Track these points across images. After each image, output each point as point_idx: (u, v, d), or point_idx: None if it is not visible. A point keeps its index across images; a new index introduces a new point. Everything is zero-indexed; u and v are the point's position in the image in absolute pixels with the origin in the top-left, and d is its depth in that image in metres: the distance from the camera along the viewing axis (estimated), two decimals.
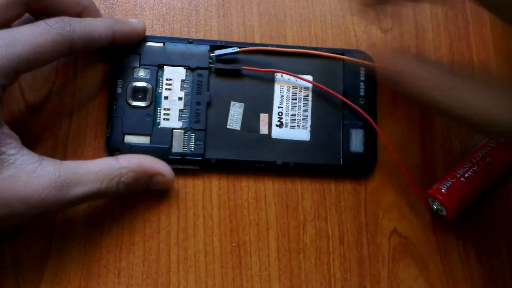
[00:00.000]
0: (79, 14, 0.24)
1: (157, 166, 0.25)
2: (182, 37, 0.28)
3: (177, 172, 0.26)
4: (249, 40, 0.29)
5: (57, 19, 0.22)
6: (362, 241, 0.27)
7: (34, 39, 0.21)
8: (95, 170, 0.22)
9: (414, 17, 0.30)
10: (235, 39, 0.29)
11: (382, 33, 0.30)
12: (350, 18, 0.30)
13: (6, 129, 0.21)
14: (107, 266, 0.26)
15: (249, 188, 0.27)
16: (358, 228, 0.27)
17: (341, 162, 0.27)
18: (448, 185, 0.26)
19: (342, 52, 0.28)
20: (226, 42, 0.28)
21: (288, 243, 0.27)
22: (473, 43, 0.30)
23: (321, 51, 0.28)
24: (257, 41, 0.29)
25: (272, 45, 0.28)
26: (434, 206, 0.26)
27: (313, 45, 0.29)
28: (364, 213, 0.27)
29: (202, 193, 0.27)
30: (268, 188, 0.27)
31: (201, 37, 0.29)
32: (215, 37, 0.29)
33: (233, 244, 0.26)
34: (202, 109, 0.27)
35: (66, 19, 0.22)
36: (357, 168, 0.27)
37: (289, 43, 0.29)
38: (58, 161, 0.22)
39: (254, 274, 0.26)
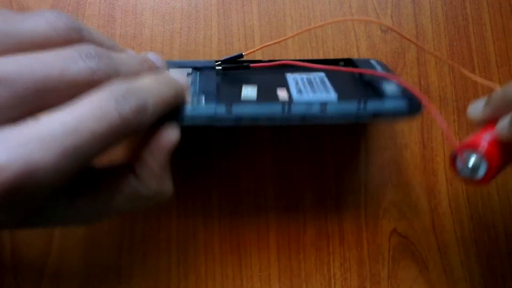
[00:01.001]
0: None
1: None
2: (185, 60, 0.26)
3: (178, 173, 0.26)
4: (249, 40, 0.29)
5: (133, 99, 0.16)
6: (362, 241, 0.27)
7: (101, 131, 0.15)
8: None
9: (414, 17, 0.30)
10: (235, 39, 0.29)
11: (382, 33, 0.30)
12: (350, 18, 0.30)
13: None
14: (108, 266, 0.26)
15: (249, 188, 0.27)
16: (358, 228, 0.27)
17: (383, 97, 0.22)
18: (490, 136, 0.21)
19: (354, 61, 0.26)
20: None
21: (288, 243, 0.27)
22: (473, 43, 0.30)
23: (330, 62, 0.26)
24: (257, 41, 0.29)
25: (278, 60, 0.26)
26: (471, 162, 0.22)
27: (313, 45, 0.29)
28: (364, 213, 0.27)
29: (202, 194, 0.27)
30: (268, 188, 0.27)
31: (201, 37, 0.29)
32: (215, 36, 0.29)
33: (233, 244, 0.26)
34: (211, 92, 0.23)
35: (141, 101, 0.16)
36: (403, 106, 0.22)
37: (289, 43, 0.29)
38: None
39: (254, 274, 0.26)
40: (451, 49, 0.30)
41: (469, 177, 0.22)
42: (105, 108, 0.15)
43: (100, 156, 0.16)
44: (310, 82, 0.25)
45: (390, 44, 0.30)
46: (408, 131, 0.29)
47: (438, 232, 0.28)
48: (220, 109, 0.21)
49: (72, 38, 0.16)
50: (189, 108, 0.21)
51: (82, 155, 0.15)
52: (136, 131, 0.17)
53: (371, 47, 0.30)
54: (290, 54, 0.29)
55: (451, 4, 0.31)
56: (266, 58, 0.29)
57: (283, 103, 0.21)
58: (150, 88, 0.17)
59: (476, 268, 0.27)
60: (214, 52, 0.29)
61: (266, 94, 0.23)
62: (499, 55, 0.30)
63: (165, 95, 0.18)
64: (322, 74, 0.25)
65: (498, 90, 0.22)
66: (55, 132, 0.14)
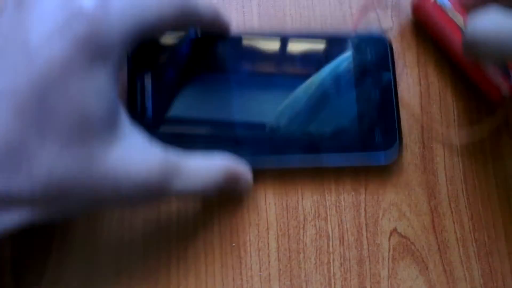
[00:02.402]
0: None
1: (244, 169, 0.24)
2: None
3: None
4: None
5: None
6: (362, 241, 0.27)
7: (159, 7, 0.20)
8: (196, 168, 0.21)
9: (414, 17, 0.30)
10: None
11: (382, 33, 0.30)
12: (350, 18, 0.30)
13: (119, 102, 0.20)
14: (108, 266, 0.26)
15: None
16: (358, 228, 0.27)
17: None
18: None
19: (350, 36, 0.28)
20: None
21: (288, 243, 0.27)
22: None
23: (325, 35, 0.28)
24: None
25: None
26: None
27: None
28: (364, 213, 0.27)
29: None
30: (268, 188, 0.27)
31: None
32: None
33: (233, 244, 0.26)
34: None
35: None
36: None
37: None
38: (162, 145, 0.21)
39: (254, 274, 0.26)
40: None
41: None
42: None
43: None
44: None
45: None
46: (408, 131, 0.29)
47: (438, 232, 0.28)
48: None
49: None
50: None
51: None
52: (182, 22, 0.21)
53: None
54: None
55: None
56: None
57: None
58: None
59: (476, 268, 0.27)
60: None
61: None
62: None
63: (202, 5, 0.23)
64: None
65: None
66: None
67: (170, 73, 0.25)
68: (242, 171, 0.24)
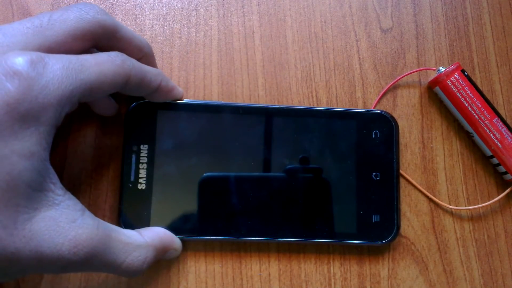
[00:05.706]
0: (138, 60, 0.24)
1: (174, 241, 0.25)
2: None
3: None
4: (249, 40, 0.29)
5: (117, 53, 0.21)
6: None
7: (98, 68, 0.20)
8: (126, 242, 0.21)
9: (414, 17, 0.30)
10: (235, 39, 0.29)
11: (382, 33, 0.30)
12: (350, 18, 0.30)
13: (51, 168, 0.19)
14: None
15: None
16: None
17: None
18: None
19: (354, 114, 0.27)
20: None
21: (288, 243, 0.27)
22: (473, 43, 0.30)
23: (329, 112, 0.27)
24: (257, 41, 0.29)
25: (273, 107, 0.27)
26: None
27: (313, 45, 0.29)
28: None
29: None
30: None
31: (201, 37, 0.29)
32: (215, 36, 0.29)
33: (233, 244, 0.26)
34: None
35: (125, 55, 0.22)
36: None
37: (289, 43, 0.29)
38: (96, 217, 0.20)
39: (254, 274, 0.26)
40: (451, 49, 0.30)
41: None
42: (100, 55, 0.21)
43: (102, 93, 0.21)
44: None
45: (390, 44, 0.30)
46: (408, 131, 0.29)
47: (438, 232, 0.28)
48: None
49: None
50: None
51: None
52: (125, 81, 0.21)
53: (371, 47, 0.30)
54: (290, 54, 0.29)
55: (451, 4, 0.31)
56: (266, 59, 0.29)
57: None
58: (138, 61, 0.23)
59: (476, 268, 0.27)
60: (214, 52, 0.29)
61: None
62: (499, 55, 0.30)
63: (148, 69, 0.23)
64: None
65: None
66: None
67: (165, 146, 0.26)
68: (170, 245, 0.24)
